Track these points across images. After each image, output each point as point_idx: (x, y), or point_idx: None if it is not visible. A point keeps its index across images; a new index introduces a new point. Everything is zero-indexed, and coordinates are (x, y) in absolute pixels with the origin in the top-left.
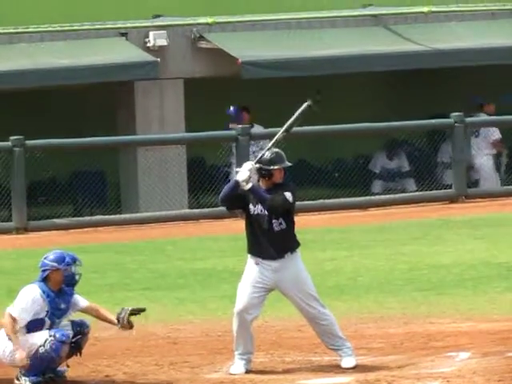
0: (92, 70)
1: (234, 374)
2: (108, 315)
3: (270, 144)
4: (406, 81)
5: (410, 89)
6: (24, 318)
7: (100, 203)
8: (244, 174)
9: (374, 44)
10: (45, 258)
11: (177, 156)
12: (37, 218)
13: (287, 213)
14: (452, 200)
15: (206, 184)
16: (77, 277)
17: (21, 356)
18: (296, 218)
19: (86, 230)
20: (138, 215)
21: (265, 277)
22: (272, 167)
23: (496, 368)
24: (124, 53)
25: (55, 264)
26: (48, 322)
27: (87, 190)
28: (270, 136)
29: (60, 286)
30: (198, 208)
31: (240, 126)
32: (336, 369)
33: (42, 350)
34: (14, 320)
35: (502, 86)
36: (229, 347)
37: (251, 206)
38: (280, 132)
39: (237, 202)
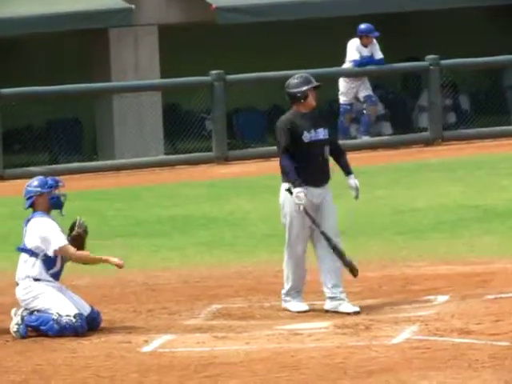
0: (66, 18)
1: (300, 312)
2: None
3: None
4: (380, 24)
5: (384, 32)
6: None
7: (76, 151)
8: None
9: None
10: (28, 186)
11: (152, 103)
12: (13, 166)
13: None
14: (428, 143)
15: (182, 130)
16: (62, 198)
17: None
18: None
19: (62, 177)
20: (114, 162)
21: (312, 202)
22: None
23: (474, 311)
24: (98, 0)
25: (39, 189)
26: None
27: (63, 137)
28: (246, 82)
29: (48, 211)
30: (174, 154)
31: None
32: (314, 314)
33: (64, 320)
34: (68, 248)
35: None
36: (206, 293)
37: (306, 134)
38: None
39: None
